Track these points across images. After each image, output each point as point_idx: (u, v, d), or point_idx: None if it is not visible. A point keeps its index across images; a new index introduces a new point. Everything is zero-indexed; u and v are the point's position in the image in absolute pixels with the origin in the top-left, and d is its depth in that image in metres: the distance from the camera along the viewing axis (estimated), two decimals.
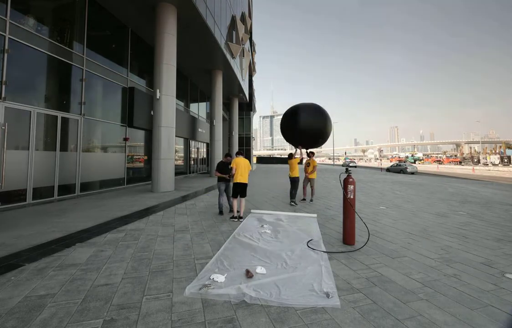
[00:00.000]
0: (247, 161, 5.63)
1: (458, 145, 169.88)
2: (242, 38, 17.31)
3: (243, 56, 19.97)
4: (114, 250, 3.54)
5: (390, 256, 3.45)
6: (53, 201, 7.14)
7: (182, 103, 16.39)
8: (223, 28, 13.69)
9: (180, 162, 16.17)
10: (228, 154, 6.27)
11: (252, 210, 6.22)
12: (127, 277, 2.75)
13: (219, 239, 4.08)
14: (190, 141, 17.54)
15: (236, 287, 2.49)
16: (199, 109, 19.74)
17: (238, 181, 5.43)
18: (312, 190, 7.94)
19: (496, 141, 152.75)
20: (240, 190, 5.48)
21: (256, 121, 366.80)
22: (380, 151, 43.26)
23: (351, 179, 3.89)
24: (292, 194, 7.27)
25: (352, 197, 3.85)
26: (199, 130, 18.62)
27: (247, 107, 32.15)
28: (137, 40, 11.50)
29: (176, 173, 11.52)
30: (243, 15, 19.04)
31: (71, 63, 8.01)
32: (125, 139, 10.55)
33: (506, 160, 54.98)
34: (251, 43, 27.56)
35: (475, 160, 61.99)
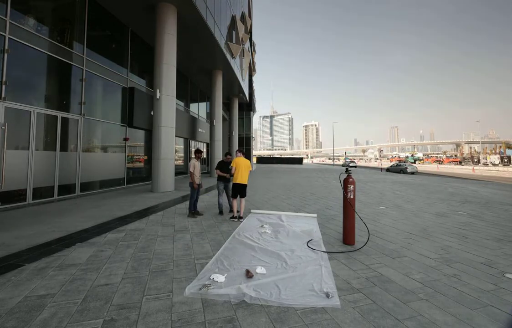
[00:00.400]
0: (247, 161, 5.62)
1: (458, 145, 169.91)
2: (242, 38, 17.31)
3: (243, 56, 19.98)
4: (114, 250, 3.53)
5: (390, 256, 3.45)
6: (53, 201, 7.14)
7: (182, 103, 16.39)
8: (223, 28, 13.69)
9: (180, 162, 16.17)
10: (228, 153, 6.28)
11: (252, 210, 6.22)
12: (127, 277, 2.74)
13: (219, 239, 4.08)
14: (190, 141, 17.53)
15: (236, 287, 2.49)
16: (199, 109, 19.74)
17: (238, 181, 5.42)
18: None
19: (496, 141, 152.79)
20: (240, 190, 5.47)
21: (256, 121, 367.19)
22: (380, 151, 43.28)
23: (351, 179, 3.89)
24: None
25: (352, 197, 3.85)
26: (199, 130, 18.61)
27: (247, 107, 32.16)
28: (137, 40, 11.49)
29: (176, 173, 11.52)
30: (243, 15, 19.03)
31: (71, 63, 8.00)
32: (125, 139, 10.54)
33: (506, 160, 54.98)
34: (251, 43, 27.56)
35: (475, 160, 61.98)
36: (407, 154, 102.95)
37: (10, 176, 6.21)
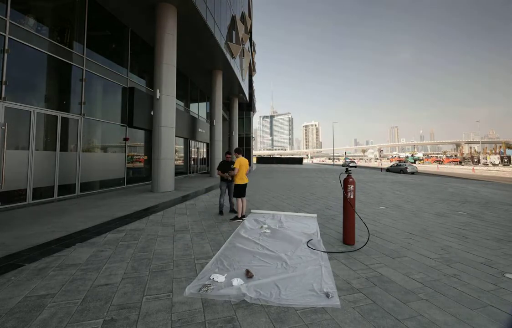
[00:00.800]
0: (246, 160, 5.65)
1: (458, 145, 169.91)
2: (242, 38, 17.31)
3: (243, 56, 19.98)
4: (114, 250, 3.53)
5: (390, 256, 3.45)
6: (53, 201, 7.13)
7: (182, 103, 16.39)
8: (223, 28, 13.69)
9: (180, 162, 16.17)
10: (228, 152, 6.27)
11: (252, 210, 6.22)
12: (127, 277, 2.74)
13: (219, 239, 4.08)
14: (190, 141, 17.54)
15: (236, 287, 2.49)
16: (199, 109, 19.74)
17: (243, 182, 5.40)
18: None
19: (496, 141, 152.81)
20: (243, 190, 5.46)
21: (256, 121, 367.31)
22: (380, 151, 43.26)
23: (351, 179, 3.89)
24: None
25: (352, 197, 3.85)
26: (199, 130, 18.62)
27: (247, 107, 32.17)
28: (137, 40, 11.49)
29: (176, 173, 11.52)
30: (243, 15, 19.04)
31: (71, 63, 8.00)
32: (125, 139, 10.54)
33: (506, 160, 54.99)
34: (251, 43, 27.57)
35: (475, 160, 61.99)
36: (407, 154, 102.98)
37: (10, 176, 6.21)
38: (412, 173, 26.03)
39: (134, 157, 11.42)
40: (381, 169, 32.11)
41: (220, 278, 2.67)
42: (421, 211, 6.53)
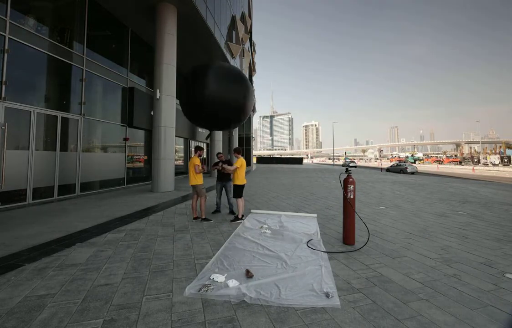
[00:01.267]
0: (244, 160, 5.66)
1: (458, 145, 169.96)
2: (242, 38, 17.32)
3: (243, 56, 19.99)
4: (114, 250, 3.53)
5: (390, 256, 3.45)
6: (53, 201, 7.13)
7: None
8: (223, 28, 13.69)
9: (180, 162, 16.17)
10: (219, 153, 6.20)
11: (252, 210, 6.22)
12: (127, 277, 2.74)
13: (219, 239, 4.08)
14: (190, 141, 17.53)
15: (236, 287, 2.49)
16: None
17: (243, 183, 5.39)
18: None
19: (496, 141, 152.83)
20: (243, 190, 5.46)
21: (256, 121, 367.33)
22: (380, 151, 43.25)
23: (351, 179, 3.89)
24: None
25: (352, 197, 3.85)
26: (199, 130, 18.61)
27: None
28: (137, 40, 11.50)
29: (176, 173, 11.51)
30: (243, 15, 19.04)
31: (71, 63, 8.01)
32: (125, 139, 10.55)
33: (506, 160, 54.99)
34: (251, 43, 27.57)
35: (475, 160, 61.99)
36: (407, 154, 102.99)
37: (10, 176, 6.21)
38: (412, 173, 26.03)
39: (134, 157, 11.42)
40: (381, 169, 32.11)
41: (220, 278, 2.67)
42: (421, 211, 6.53)
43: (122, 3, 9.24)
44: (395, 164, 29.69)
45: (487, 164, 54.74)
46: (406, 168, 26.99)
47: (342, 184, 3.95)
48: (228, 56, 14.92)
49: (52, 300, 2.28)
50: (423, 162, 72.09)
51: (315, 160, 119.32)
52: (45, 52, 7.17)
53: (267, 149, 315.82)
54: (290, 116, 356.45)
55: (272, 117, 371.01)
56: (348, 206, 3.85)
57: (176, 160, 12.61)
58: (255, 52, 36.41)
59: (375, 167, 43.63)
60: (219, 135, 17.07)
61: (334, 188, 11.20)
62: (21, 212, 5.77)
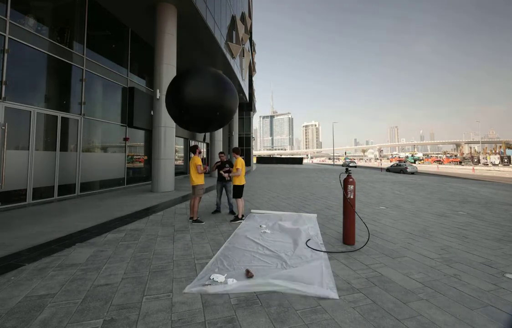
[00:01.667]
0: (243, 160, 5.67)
1: (458, 145, 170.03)
2: (242, 38, 17.32)
3: (243, 56, 19.99)
4: (114, 250, 3.53)
5: (390, 256, 3.45)
6: (53, 201, 7.14)
7: None
8: (223, 28, 13.69)
9: (180, 162, 16.17)
10: (221, 152, 6.28)
11: (252, 210, 6.22)
12: (127, 277, 2.75)
13: (219, 239, 4.08)
14: (190, 141, 17.54)
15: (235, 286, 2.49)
16: None
17: (242, 183, 5.39)
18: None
19: (496, 141, 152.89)
20: (242, 191, 5.46)
21: (256, 121, 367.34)
22: (380, 151, 43.24)
23: (351, 179, 3.89)
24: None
25: (352, 197, 3.85)
26: None
27: (247, 107, 32.16)
28: (137, 40, 11.50)
29: (176, 173, 11.52)
30: (243, 15, 19.05)
31: (71, 63, 8.01)
32: (125, 139, 10.55)
33: (506, 160, 54.99)
34: (251, 43, 27.58)
35: (475, 160, 61.99)
36: (407, 154, 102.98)
37: (10, 176, 6.21)
38: (412, 173, 26.03)
39: (134, 157, 11.42)
40: (381, 169, 32.11)
41: (220, 278, 2.67)
42: (421, 211, 6.53)
43: (122, 3, 9.24)
44: (395, 164, 29.69)
45: (487, 164, 54.75)
46: (406, 168, 26.99)
47: (342, 184, 3.95)
48: (228, 56, 14.92)
49: (52, 300, 2.28)
50: (423, 162, 72.09)
51: (315, 160, 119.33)
52: (45, 52, 7.17)
53: (267, 149, 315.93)
54: (290, 116, 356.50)
55: (272, 117, 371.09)
56: (348, 206, 3.85)
57: (176, 160, 12.62)
58: (255, 52, 36.43)
59: (375, 167, 43.64)
60: (219, 135, 17.07)
61: (334, 188, 11.20)
62: (21, 212, 5.77)
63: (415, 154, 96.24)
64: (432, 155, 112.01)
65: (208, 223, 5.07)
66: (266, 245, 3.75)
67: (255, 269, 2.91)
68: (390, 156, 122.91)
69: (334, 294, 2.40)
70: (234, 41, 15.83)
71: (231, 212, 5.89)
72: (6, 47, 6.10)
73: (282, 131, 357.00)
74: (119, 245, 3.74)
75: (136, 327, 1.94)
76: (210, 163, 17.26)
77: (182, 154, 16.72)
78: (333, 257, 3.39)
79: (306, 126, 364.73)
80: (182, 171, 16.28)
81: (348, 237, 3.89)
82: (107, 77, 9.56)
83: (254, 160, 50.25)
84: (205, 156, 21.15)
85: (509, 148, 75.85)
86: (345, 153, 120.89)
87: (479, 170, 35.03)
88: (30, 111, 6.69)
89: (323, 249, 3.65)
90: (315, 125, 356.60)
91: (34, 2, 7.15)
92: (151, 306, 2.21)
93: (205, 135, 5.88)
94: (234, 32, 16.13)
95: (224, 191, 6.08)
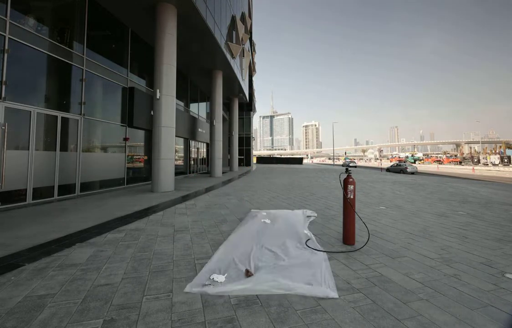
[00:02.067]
0: None
1: (458, 145, 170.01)
2: (242, 38, 17.33)
3: (243, 56, 20.00)
4: (114, 250, 3.53)
5: (390, 256, 3.45)
6: (53, 201, 7.14)
7: (182, 103, 16.39)
8: (223, 28, 13.69)
9: (180, 162, 16.17)
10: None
11: (252, 210, 6.22)
12: (127, 277, 2.74)
13: (219, 239, 4.08)
14: (190, 141, 17.54)
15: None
16: (199, 109, 19.74)
17: None
18: None
19: (496, 141, 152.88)
20: None
21: (256, 121, 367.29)
22: (380, 151, 43.21)
23: (351, 179, 3.89)
24: None
25: (352, 197, 3.84)
26: (199, 130, 18.62)
27: (247, 107, 32.19)
28: (137, 40, 11.50)
29: (176, 173, 11.53)
30: (243, 15, 19.05)
31: (71, 63, 8.01)
32: (125, 139, 10.55)
33: (506, 160, 54.99)
34: (251, 43, 27.58)
35: (475, 160, 61.99)
36: (407, 154, 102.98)
37: (10, 176, 6.21)
38: (412, 173, 26.04)
39: (134, 157, 11.42)
40: (381, 169, 32.11)
41: (220, 278, 2.67)
42: (421, 211, 6.53)
43: (122, 3, 9.24)
44: (395, 164, 29.69)
45: (487, 164, 54.75)
46: (406, 168, 27.00)
47: (342, 184, 3.94)
48: (228, 56, 14.92)
49: (52, 300, 2.28)
50: (423, 162, 72.10)
51: (315, 160, 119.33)
52: (45, 52, 7.17)
53: (267, 149, 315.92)
54: (290, 116, 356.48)
55: (272, 117, 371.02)
56: (348, 206, 3.85)
57: (176, 160, 12.62)
58: (255, 52, 36.42)
59: (375, 167, 43.63)
60: (219, 135, 17.08)
61: (334, 188, 11.20)
62: (21, 212, 5.77)
63: (415, 154, 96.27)
64: (432, 155, 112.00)
65: (208, 223, 5.06)
66: (266, 245, 3.75)
67: (255, 268, 2.91)
68: (390, 156, 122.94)
69: (334, 294, 2.40)
70: (234, 41, 15.84)
71: None
72: (6, 47, 6.10)
73: (282, 131, 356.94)
74: (119, 245, 3.74)
75: (136, 327, 1.94)
76: (210, 163, 17.25)
77: (182, 154, 16.72)
78: (333, 257, 3.39)
79: (306, 126, 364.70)
80: (182, 171, 16.28)
81: (348, 237, 3.89)
82: (107, 77, 9.56)
83: (254, 160, 50.28)
84: (205, 156, 21.16)
85: (509, 148, 75.85)
86: (345, 153, 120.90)
87: (479, 170, 35.03)
88: (30, 111, 6.69)
89: (323, 248, 3.65)
90: (315, 125, 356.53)
91: (34, 2, 7.15)
92: (151, 306, 2.21)
93: None
94: (234, 32, 16.14)
95: None
